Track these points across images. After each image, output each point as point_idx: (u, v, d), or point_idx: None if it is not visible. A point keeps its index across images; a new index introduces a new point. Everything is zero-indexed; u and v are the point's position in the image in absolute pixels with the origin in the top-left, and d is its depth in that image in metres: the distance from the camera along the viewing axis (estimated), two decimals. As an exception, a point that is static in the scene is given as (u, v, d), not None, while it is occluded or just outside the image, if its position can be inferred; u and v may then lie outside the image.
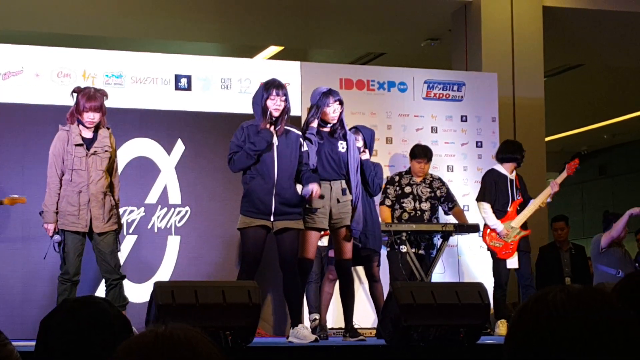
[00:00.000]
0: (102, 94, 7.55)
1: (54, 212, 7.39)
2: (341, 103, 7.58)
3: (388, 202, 9.38)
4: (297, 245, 7.22)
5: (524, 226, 9.34)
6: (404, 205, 9.35)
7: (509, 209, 9.34)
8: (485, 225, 9.37)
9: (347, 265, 7.66)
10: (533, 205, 9.37)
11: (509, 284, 9.48)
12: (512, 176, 9.44)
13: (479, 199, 9.46)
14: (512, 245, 9.27)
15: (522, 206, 9.38)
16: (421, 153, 9.49)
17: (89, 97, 7.44)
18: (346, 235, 7.55)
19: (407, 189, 9.40)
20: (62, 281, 7.33)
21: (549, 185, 9.47)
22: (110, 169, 7.57)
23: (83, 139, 7.45)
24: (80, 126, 7.46)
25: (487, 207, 9.33)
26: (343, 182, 7.53)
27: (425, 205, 9.38)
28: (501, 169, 9.47)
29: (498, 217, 9.29)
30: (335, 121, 7.55)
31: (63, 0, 11.58)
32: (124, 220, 8.89)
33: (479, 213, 9.52)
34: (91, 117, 7.42)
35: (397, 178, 9.47)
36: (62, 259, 7.36)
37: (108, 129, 7.60)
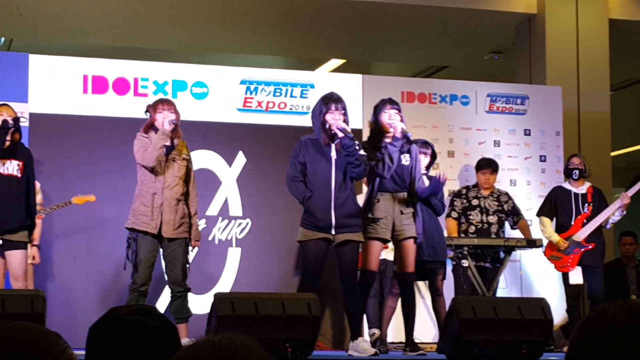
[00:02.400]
0: (176, 109, 7.61)
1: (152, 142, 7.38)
2: (399, 112, 7.53)
3: (454, 214, 9.33)
4: (357, 257, 7.21)
5: (589, 240, 9.19)
6: (470, 218, 9.30)
7: (571, 224, 9.23)
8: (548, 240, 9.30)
9: (410, 279, 7.62)
10: (598, 219, 9.21)
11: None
12: (581, 190, 9.31)
13: (538, 213, 9.49)
14: (571, 258, 9.15)
15: (590, 220, 9.23)
16: (485, 164, 9.44)
17: (162, 100, 7.57)
18: (410, 246, 7.49)
19: (475, 202, 9.35)
20: (130, 290, 7.38)
21: (619, 198, 9.29)
22: (187, 178, 7.60)
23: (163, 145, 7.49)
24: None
25: (545, 221, 9.32)
26: (406, 194, 7.51)
27: (493, 219, 9.31)
28: (567, 185, 9.39)
29: (560, 232, 9.19)
30: (391, 128, 7.48)
31: (130, 15, 11.72)
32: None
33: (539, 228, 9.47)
34: (166, 115, 7.45)
35: (464, 191, 9.43)
36: (133, 268, 7.39)
37: (183, 140, 7.65)
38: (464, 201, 9.34)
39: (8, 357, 1.72)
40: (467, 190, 9.43)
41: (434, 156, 8.61)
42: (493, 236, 9.24)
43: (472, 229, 9.27)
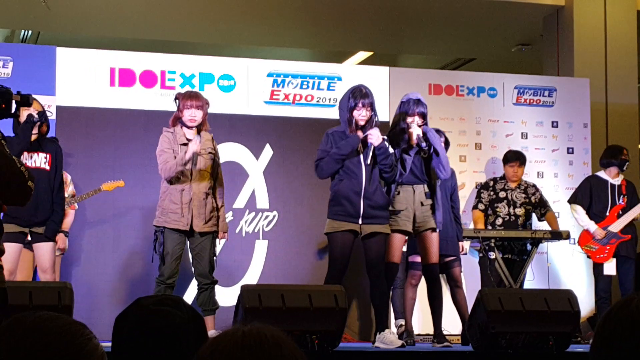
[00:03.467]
0: (205, 99, 7.60)
1: (179, 159, 7.35)
2: (424, 117, 7.50)
3: (481, 206, 9.31)
4: (384, 250, 7.20)
5: (625, 231, 9.16)
6: (497, 210, 9.28)
7: (607, 214, 9.19)
8: (582, 230, 9.24)
9: (435, 270, 7.60)
10: (634, 211, 9.17)
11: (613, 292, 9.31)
12: (617, 181, 9.28)
13: (571, 201, 9.36)
14: (607, 248, 9.11)
15: (625, 211, 9.20)
16: (513, 157, 9.41)
17: (190, 95, 7.52)
18: (432, 237, 7.48)
19: (502, 194, 9.32)
20: (157, 282, 7.38)
21: None
22: (215, 172, 7.61)
23: (188, 140, 7.50)
24: (184, 128, 7.53)
25: (578, 208, 9.22)
26: (425, 186, 7.49)
27: (520, 211, 9.29)
28: (603, 174, 9.34)
29: (596, 222, 9.15)
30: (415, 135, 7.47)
31: (157, 7, 11.75)
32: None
33: (571, 216, 9.41)
34: (192, 114, 7.43)
35: (491, 183, 9.41)
36: (160, 260, 7.41)
37: (210, 133, 7.64)
38: (491, 193, 9.32)
39: (33, 347, 1.74)
40: (495, 182, 9.40)
41: (447, 144, 8.56)
42: (520, 228, 9.22)
43: (499, 221, 9.25)
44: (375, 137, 7.12)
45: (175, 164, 7.32)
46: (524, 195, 9.35)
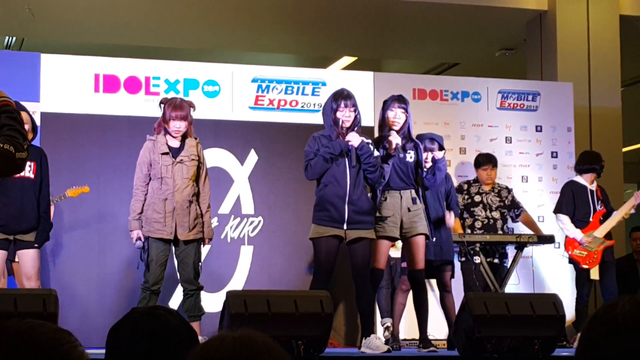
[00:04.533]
0: (189, 104, 7.60)
1: (136, 220, 7.47)
2: (406, 111, 7.54)
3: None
4: (369, 255, 7.19)
5: (607, 236, 9.20)
6: (475, 214, 9.29)
7: (591, 219, 9.22)
8: (567, 236, 9.27)
9: (420, 276, 7.60)
10: (616, 216, 9.22)
11: (594, 297, 9.35)
12: (593, 187, 9.31)
13: (556, 210, 9.35)
14: (595, 254, 9.14)
15: (606, 217, 9.24)
16: (485, 160, 9.45)
17: (175, 106, 7.50)
18: (419, 242, 7.48)
19: (477, 198, 9.34)
20: (143, 289, 7.37)
21: (632, 196, 9.30)
22: (197, 177, 7.61)
23: (170, 148, 7.49)
24: (167, 136, 7.51)
25: (564, 218, 9.22)
26: (413, 191, 7.49)
27: (496, 214, 9.31)
28: (581, 180, 9.34)
29: (580, 228, 9.16)
30: (396, 127, 7.49)
31: (141, 13, 11.74)
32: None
33: (557, 225, 9.43)
34: (177, 125, 7.45)
35: (465, 186, 9.41)
36: (145, 267, 7.41)
37: (196, 139, 7.63)
38: (466, 197, 9.33)
39: (19, 354, 1.73)
40: (469, 185, 9.41)
41: (441, 149, 8.57)
42: (500, 232, 9.24)
43: (478, 224, 9.26)
44: (354, 138, 7.14)
45: (132, 209, 7.48)
46: (498, 199, 9.37)
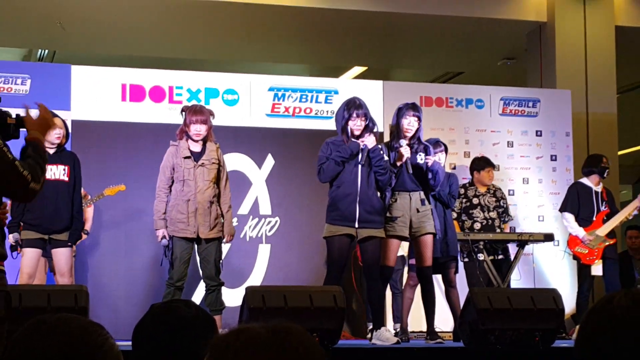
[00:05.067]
0: (209, 111, 7.63)
1: (161, 219, 7.49)
2: (419, 120, 7.52)
3: (454, 214, 9.26)
4: (379, 253, 7.20)
5: (609, 235, 9.18)
6: (474, 216, 9.25)
7: (594, 219, 9.20)
8: (570, 233, 9.25)
9: (428, 272, 7.60)
10: (619, 216, 9.21)
11: (598, 292, 9.31)
12: (598, 188, 9.28)
13: (561, 209, 9.35)
14: (596, 252, 9.13)
15: (609, 217, 9.22)
16: (486, 163, 9.39)
17: (195, 111, 7.53)
18: (427, 241, 7.48)
19: (475, 200, 9.31)
20: (167, 285, 7.40)
21: (637, 198, 9.28)
22: (218, 180, 7.62)
23: (192, 152, 7.50)
24: (189, 141, 7.53)
25: (569, 216, 9.21)
26: (422, 192, 7.49)
27: (494, 214, 9.29)
28: (586, 181, 9.33)
29: (583, 227, 9.14)
30: (409, 134, 7.48)
31: (165, 27, 11.77)
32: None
33: (555, 220, 9.41)
34: (198, 129, 7.46)
35: (462, 191, 9.33)
36: (170, 264, 7.43)
37: (216, 143, 7.65)
38: (464, 200, 9.28)
39: (54, 346, 1.74)
40: (465, 189, 9.34)
41: (445, 151, 8.55)
42: (498, 230, 9.22)
43: (477, 225, 9.23)
44: (369, 141, 7.16)
45: (155, 210, 7.48)
46: (494, 199, 9.34)
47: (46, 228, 7.34)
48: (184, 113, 7.57)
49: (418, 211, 7.43)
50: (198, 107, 7.64)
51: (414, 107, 7.51)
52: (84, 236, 8.42)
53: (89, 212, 8.68)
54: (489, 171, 9.36)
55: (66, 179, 7.44)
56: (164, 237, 7.44)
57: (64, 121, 7.57)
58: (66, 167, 7.45)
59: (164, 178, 7.53)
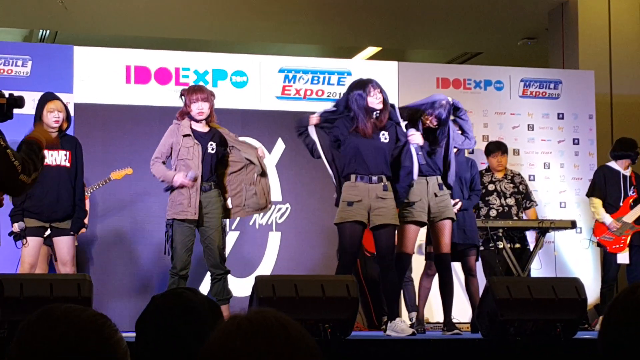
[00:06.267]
0: (209, 90, 7.59)
1: (169, 170, 7.42)
2: (438, 120, 7.47)
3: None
4: (393, 241, 7.18)
5: (637, 221, 9.14)
6: (490, 203, 9.24)
7: (621, 204, 9.17)
8: (596, 220, 9.22)
9: (447, 259, 7.58)
10: None
11: (621, 281, 9.28)
12: (627, 173, 9.24)
13: (588, 194, 9.32)
14: (623, 239, 9.09)
15: (637, 202, 9.18)
16: (494, 147, 9.41)
17: (194, 90, 7.49)
18: (445, 226, 7.47)
19: (491, 187, 9.30)
20: (171, 274, 7.37)
21: None
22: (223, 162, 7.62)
23: (197, 132, 7.47)
24: (192, 121, 7.50)
25: (596, 201, 9.18)
26: (439, 177, 7.49)
27: (511, 201, 9.27)
28: (614, 165, 9.28)
29: (610, 212, 9.11)
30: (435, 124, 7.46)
31: (170, 6, 11.76)
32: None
33: (584, 210, 9.38)
34: (199, 107, 7.40)
35: None
36: (172, 252, 7.37)
37: (218, 125, 7.63)
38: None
39: (63, 337, 1.75)
40: (481, 176, 9.33)
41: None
42: (515, 218, 9.20)
43: (493, 212, 9.22)
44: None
45: (156, 171, 7.45)
46: (512, 185, 9.33)
47: (48, 216, 7.34)
48: (183, 97, 7.52)
49: (436, 195, 7.43)
50: (197, 86, 7.63)
51: (443, 106, 7.43)
52: (83, 229, 8.43)
53: (86, 203, 8.66)
54: (495, 156, 9.34)
55: (68, 164, 7.43)
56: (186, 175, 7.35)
57: (65, 105, 7.54)
58: (67, 152, 7.44)
59: (163, 149, 7.46)
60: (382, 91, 7.12)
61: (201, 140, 7.43)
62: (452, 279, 7.75)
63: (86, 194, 8.58)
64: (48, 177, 7.24)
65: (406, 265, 7.58)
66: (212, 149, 7.46)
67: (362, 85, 7.12)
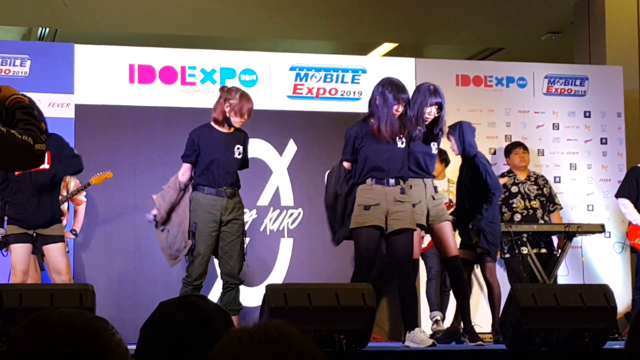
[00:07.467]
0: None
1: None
2: (440, 108, 7.44)
3: None
4: (411, 247, 7.16)
5: None
6: (513, 206, 9.21)
7: None
8: (630, 223, 9.18)
9: (456, 262, 7.50)
10: None
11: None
12: None
13: (618, 195, 9.29)
14: None
15: None
16: (514, 144, 9.39)
17: (248, 99, 7.47)
18: (446, 228, 7.46)
19: (514, 189, 9.27)
20: (184, 283, 7.37)
21: None
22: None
23: (219, 132, 7.50)
24: (216, 125, 7.51)
25: (626, 202, 9.14)
26: (433, 180, 7.51)
27: (535, 203, 9.24)
28: None
29: None
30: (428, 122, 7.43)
31: (178, 2, 11.78)
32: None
33: (613, 213, 9.35)
34: (241, 121, 7.49)
35: (501, 181, 9.28)
36: (190, 260, 7.35)
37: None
38: (503, 190, 9.24)
39: (56, 343, 1.74)
40: (502, 177, 9.29)
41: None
42: (541, 222, 9.17)
43: (517, 217, 9.19)
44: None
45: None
46: (535, 187, 9.31)
47: (29, 223, 7.30)
48: (227, 101, 7.45)
49: (434, 198, 7.42)
50: (248, 95, 7.55)
51: (434, 92, 7.41)
52: (72, 236, 8.42)
53: (81, 210, 8.66)
54: (517, 152, 9.32)
55: (47, 166, 7.28)
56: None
57: (31, 101, 7.48)
58: (46, 153, 7.38)
59: (190, 153, 7.52)
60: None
61: (227, 142, 7.51)
62: (466, 283, 7.72)
63: (80, 200, 8.59)
64: (26, 182, 7.21)
65: (415, 271, 7.56)
66: (239, 154, 7.52)
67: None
